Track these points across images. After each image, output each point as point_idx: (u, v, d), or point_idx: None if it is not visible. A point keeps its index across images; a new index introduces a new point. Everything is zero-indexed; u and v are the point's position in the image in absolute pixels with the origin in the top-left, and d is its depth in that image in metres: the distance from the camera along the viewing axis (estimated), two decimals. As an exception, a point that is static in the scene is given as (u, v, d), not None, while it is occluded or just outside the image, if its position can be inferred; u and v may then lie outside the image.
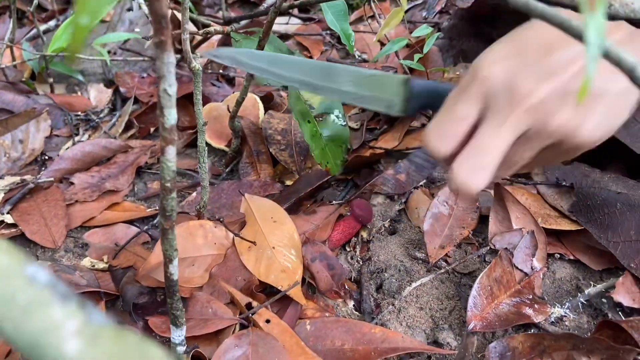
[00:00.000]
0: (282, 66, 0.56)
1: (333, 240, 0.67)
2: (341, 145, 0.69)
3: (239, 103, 0.73)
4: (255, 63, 0.56)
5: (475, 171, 0.43)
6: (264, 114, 0.88)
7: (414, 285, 0.61)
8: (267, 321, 0.54)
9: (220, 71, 1.08)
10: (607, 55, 0.21)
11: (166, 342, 0.54)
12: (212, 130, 0.88)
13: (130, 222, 0.74)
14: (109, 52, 1.10)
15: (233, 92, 0.99)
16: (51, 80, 1.01)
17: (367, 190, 0.75)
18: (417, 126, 0.85)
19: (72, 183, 0.79)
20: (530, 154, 0.45)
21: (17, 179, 0.79)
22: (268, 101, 0.93)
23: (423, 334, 0.58)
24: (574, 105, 0.42)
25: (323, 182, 0.75)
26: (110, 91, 1.05)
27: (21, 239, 0.71)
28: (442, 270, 0.63)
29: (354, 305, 0.61)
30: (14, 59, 1.03)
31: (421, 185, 0.75)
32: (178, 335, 0.48)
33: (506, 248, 0.61)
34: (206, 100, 0.96)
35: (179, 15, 0.94)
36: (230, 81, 1.08)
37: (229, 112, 0.79)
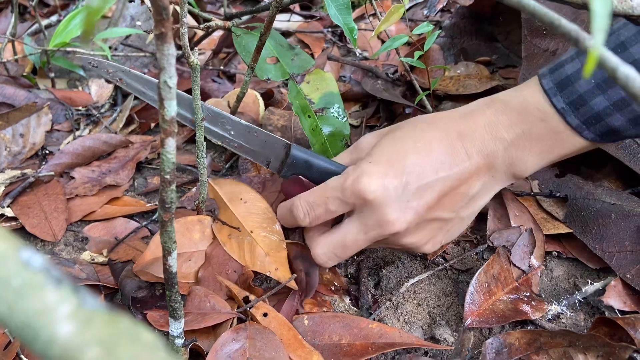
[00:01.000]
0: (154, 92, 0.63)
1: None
2: (341, 140, 0.69)
3: (239, 99, 0.73)
4: (136, 85, 0.63)
5: (333, 259, 0.55)
6: (264, 110, 0.88)
7: (411, 281, 0.61)
8: (265, 315, 0.55)
9: (221, 67, 1.08)
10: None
11: (164, 336, 0.55)
12: (213, 126, 0.88)
13: (130, 216, 0.74)
14: (110, 47, 1.10)
15: (234, 89, 0.99)
16: (52, 75, 1.01)
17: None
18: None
19: (72, 177, 0.79)
20: (369, 246, 0.55)
21: (17, 172, 0.79)
22: (268, 98, 0.93)
23: (420, 330, 0.58)
24: (424, 231, 0.54)
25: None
26: (111, 86, 1.05)
27: (21, 232, 0.71)
28: (440, 267, 0.63)
29: (350, 300, 0.61)
30: (15, 53, 1.03)
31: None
32: (176, 327, 0.48)
33: (504, 245, 0.62)
34: (207, 96, 0.96)
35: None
36: (231, 78, 1.08)
37: (230, 108, 0.79)
